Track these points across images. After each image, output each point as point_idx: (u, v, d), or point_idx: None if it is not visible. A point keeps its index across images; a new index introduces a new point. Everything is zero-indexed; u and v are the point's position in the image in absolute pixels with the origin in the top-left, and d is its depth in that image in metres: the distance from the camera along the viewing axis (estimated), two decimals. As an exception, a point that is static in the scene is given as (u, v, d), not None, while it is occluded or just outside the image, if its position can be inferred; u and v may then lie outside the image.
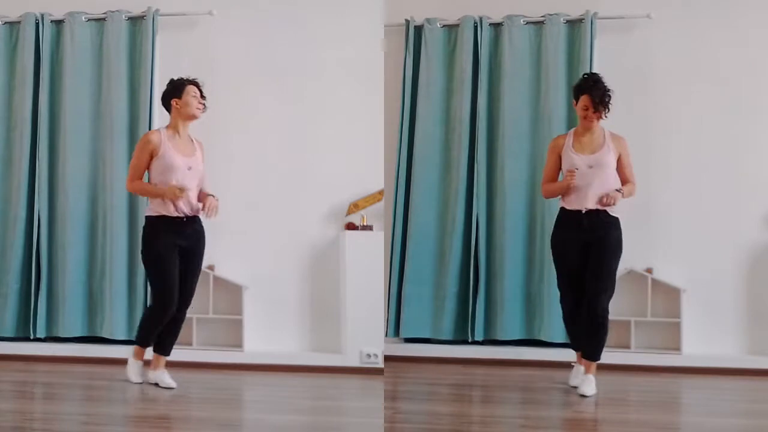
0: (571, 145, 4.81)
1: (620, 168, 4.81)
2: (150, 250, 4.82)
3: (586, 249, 4.75)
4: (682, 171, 5.66)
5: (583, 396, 4.64)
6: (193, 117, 4.85)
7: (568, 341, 5.50)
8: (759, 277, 5.57)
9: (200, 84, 4.89)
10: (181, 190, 4.72)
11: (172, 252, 4.79)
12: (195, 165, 4.82)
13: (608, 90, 4.71)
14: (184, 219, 4.79)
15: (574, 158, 4.77)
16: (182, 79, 4.88)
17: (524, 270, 5.69)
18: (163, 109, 5.68)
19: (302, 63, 5.73)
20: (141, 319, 5.07)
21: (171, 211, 4.76)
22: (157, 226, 4.79)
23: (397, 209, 5.82)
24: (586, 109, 4.73)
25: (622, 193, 4.75)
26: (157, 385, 4.88)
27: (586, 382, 4.72)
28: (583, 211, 4.72)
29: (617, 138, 4.84)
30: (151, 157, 4.79)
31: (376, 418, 4.18)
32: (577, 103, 4.79)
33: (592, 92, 4.70)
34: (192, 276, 4.91)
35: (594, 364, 4.79)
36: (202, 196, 4.88)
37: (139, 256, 5.64)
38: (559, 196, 4.86)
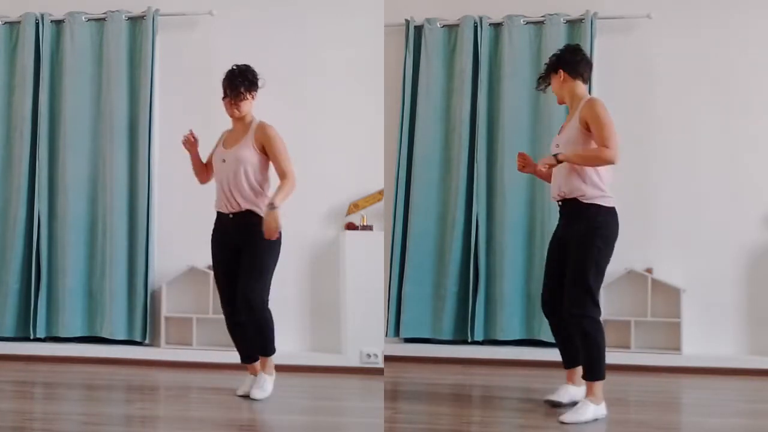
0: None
1: (593, 133, 4.05)
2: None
3: (565, 247, 4.19)
4: (682, 171, 5.66)
5: (561, 422, 4.02)
6: (232, 117, 4.63)
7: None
8: (759, 277, 5.57)
9: (233, 76, 4.55)
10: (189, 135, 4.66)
11: (220, 249, 4.63)
12: (231, 156, 4.56)
13: (553, 58, 4.29)
14: (230, 216, 4.59)
15: (553, 140, 4.35)
16: (227, 72, 4.61)
17: (524, 270, 5.69)
18: (164, 108, 5.71)
19: (302, 63, 5.73)
20: None
21: (218, 207, 4.64)
22: (215, 222, 4.69)
23: (397, 209, 5.82)
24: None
25: (557, 158, 4.05)
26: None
27: (575, 407, 4.09)
28: (559, 202, 4.22)
29: (587, 102, 4.11)
30: None
31: (376, 418, 4.18)
32: None
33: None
34: (244, 272, 4.52)
35: (593, 386, 4.08)
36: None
37: (139, 256, 5.71)
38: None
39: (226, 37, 5.77)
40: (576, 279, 4.08)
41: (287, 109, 5.72)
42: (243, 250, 4.56)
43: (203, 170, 4.84)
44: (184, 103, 5.68)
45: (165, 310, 5.68)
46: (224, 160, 4.60)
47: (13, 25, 5.91)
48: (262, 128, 4.60)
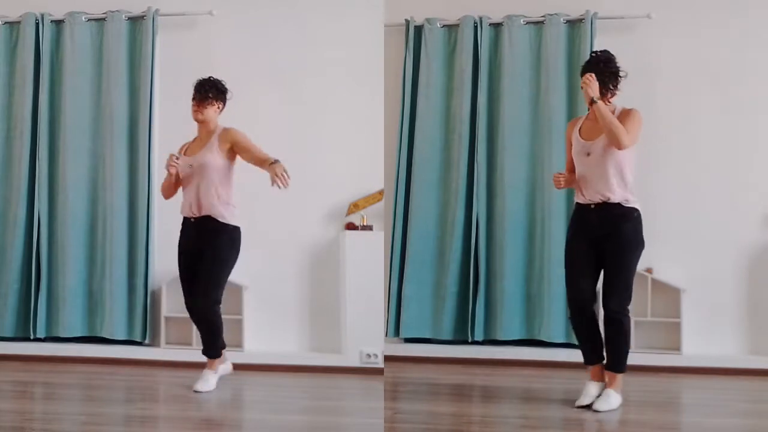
0: (578, 129, 4.44)
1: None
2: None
3: (598, 248, 4.34)
4: (682, 171, 5.66)
5: (596, 411, 4.28)
6: (196, 121, 4.85)
7: (568, 341, 5.51)
8: (759, 277, 5.57)
9: (201, 85, 4.82)
10: (170, 158, 4.80)
11: (183, 253, 4.86)
12: (196, 162, 4.76)
13: (614, 71, 4.33)
14: (192, 220, 4.79)
15: (576, 144, 4.40)
16: (197, 80, 4.88)
17: (524, 270, 5.69)
18: (164, 108, 5.70)
19: (302, 63, 5.73)
20: None
21: (183, 212, 4.86)
22: (182, 226, 4.90)
23: (397, 209, 5.82)
24: (583, 87, 4.32)
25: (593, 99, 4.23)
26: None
27: (604, 396, 4.36)
28: (592, 206, 4.33)
29: (626, 111, 4.33)
30: None
31: (376, 418, 4.18)
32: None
33: (590, 68, 4.32)
34: (201, 276, 4.76)
35: (617, 377, 4.39)
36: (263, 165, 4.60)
37: (139, 256, 5.72)
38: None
39: (226, 37, 5.77)
40: (622, 278, 4.34)
41: (287, 109, 5.74)
42: (204, 255, 4.77)
43: (175, 187, 4.99)
44: (184, 103, 5.67)
45: (165, 310, 5.68)
46: (191, 166, 4.78)
47: (13, 25, 5.91)
48: (226, 131, 4.80)
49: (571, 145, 4.46)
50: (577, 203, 4.45)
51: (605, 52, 4.39)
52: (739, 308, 5.60)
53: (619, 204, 4.30)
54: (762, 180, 5.58)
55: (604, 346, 4.41)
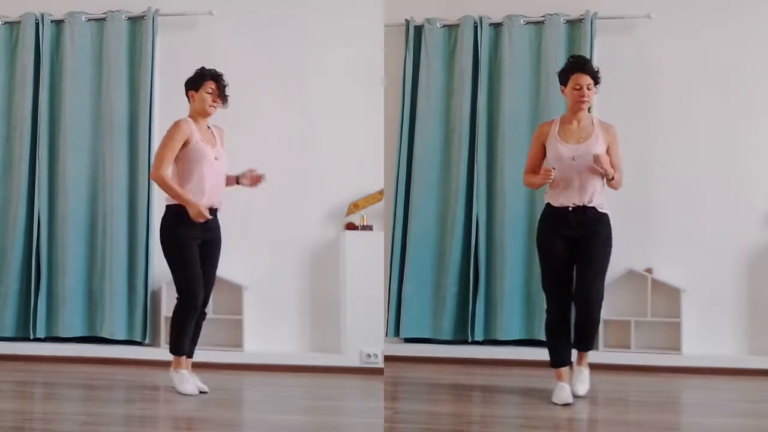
0: (557, 133, 4.49)
1: (609, 157, 4.45)
2: (171, 240, 4.66)
3: (573, 247, 4.45)
4: (682, 171, 5.66)
5: (576, 396, 4.47)
6: (205, 113, 4.71)
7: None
8: (759, 277, 5.57)
9: (222, 80, 4.72)
10: (204, 214, 4.59)
11: (193, 243, 4.67)
12: (220, 155, 4.73)
13: (596, 70, 4.48)
14: (208, 210, 4.67)
15: (559, 147, 4.44)
16: (204, 70, 4.73)
17: (524, 270, 5.69)
18: (163, 109, 5.70)
19: (302, 63, 5.73)
20: (171, 325, 4.81)
21: (202, 201, 4.65)
22: (178, 215, 4.62)
23: (397, 209, 5.82)
24: (579, 89, 4.42)
25: (612, 176, 4.40)
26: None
27: (580, 377, 4.58)
28: (570, 208, 4.42)
29: (606, 126, 4.50)
30: (183, 146, 4.63)
31: (376, 418, 4.18)
32: (565, 86, 4.48)
33: (585, 69, 4.43)
34: (213, 270, 4.82)
35: (586, 355, 4.65)
36: (230, 181, 4.87)
37: (139, 256, 5.69)
38: (546, 189, 4.56)
39: (226, 37, 5.77)
40: (600, 273, 4.46)
41: (287, 109, 5.74)
42: (211, 247, 4.78)
43: None
44: (184, 103, 5.67)
45: (165, 310, 5.67)
46: (217, 158, 4.72)
47: (13, 25, 5.90)
48: (221, 131, 4.86)
49: (542, 147, 4.56)
50: (549, 205, 4.52)
51: (582, 56, 4.69)
52: (739, 308, 5.60)
53: (595, 208, 4.45)
54: (762, 180, 5.58)
55: (577, 331, 4.55)
